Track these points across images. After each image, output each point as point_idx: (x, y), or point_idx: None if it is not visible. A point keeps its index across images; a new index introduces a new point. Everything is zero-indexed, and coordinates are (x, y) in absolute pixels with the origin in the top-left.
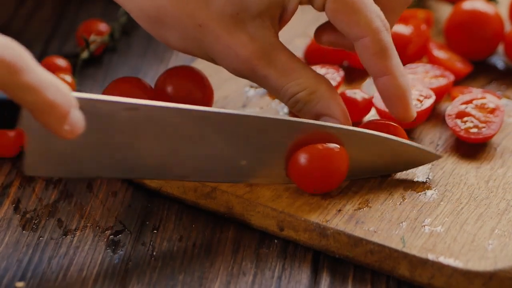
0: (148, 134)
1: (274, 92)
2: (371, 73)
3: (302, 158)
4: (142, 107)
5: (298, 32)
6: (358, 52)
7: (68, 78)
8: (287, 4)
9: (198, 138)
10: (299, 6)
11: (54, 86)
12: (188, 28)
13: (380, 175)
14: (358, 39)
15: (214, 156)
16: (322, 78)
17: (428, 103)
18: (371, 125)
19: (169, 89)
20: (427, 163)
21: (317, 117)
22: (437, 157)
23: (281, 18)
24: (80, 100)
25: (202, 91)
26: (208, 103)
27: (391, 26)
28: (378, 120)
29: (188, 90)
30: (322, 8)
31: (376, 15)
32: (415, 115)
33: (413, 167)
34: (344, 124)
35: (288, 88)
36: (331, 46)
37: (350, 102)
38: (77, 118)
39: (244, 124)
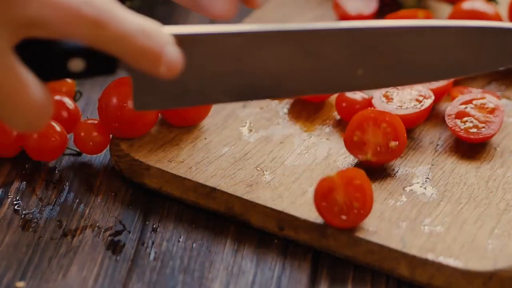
0: (255, 59)
1: None
2: None
3: None
4: (243, 35)
5: None
6: None
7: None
8: None
9: (308, 54)
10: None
11: (141, 30)
12: None
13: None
14: None
15: (329, 68)
16: None
17: (427, 103)
18: (365, 113)
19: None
20: None
21: None
22: None
23: None
24: (179, 36)
25: None
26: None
27: None
28: (374, 109)
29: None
30: None
31: None
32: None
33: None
34: None
35: None
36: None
37: (350, 102)
38: (173, 56)
39: (355, 37)
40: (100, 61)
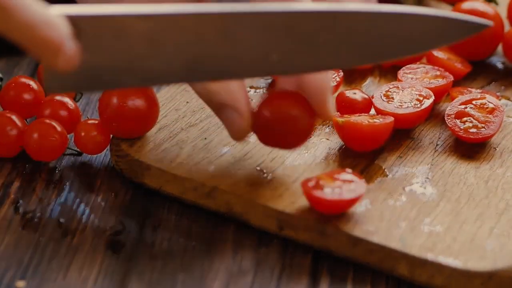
0: (167, 42)
1: None
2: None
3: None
4: (155, 17)
5: None
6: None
7: None
8: None
9: (221, 38)
10: None
11: (45, 21)
12: None
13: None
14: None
15: (242, 53)
16: None
17: (427, 103)
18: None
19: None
20: (465, 37)
21: (220, 107)
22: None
23: None
24: (84, 17)
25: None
26: (310, 129)
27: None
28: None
29: (289, 114)
30: None
31: None
32: (333, 112)
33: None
34: (244, 119)
35: None
36: None
37: (350, 102)
38: (72, 51)
39: (270, 20)
40: (4, 43)
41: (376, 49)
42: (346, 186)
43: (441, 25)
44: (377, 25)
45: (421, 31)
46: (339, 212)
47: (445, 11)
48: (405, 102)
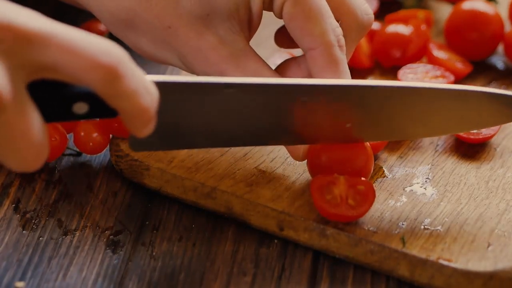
0: (246, 107)
1: None
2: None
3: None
4: (238, 85)
5: None
6: (308, 64)
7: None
8: (252, 6)
9: (299, 108)
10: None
11: (147, 91)
12: (158, 30)
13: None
14: (308, 49)
15: (318, 122)
16: None
17: None
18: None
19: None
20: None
21: None
22: None
23: (250, 22)
24: (181, 83)
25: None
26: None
27: (348, 55)
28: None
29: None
30: (280, 14)
31: (332, 28)
32: None
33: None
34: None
35: None
36: (290, 48)
37: None
38: (153, 122)
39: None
40: (104, 105)
41: (440, 123)
42: (354, 199)
43: (500, 104)
44: (441, 101)
45: (483, 109)
46: (343, 222)
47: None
48: None
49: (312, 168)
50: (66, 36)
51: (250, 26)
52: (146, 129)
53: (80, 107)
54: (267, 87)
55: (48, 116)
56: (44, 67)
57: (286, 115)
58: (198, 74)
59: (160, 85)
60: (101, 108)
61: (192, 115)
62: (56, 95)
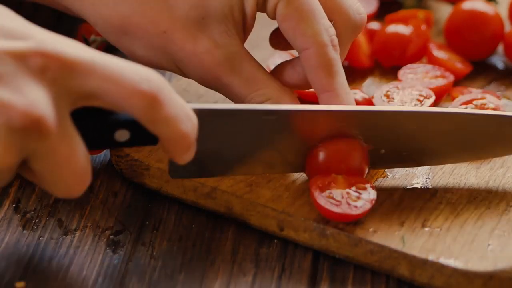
0: (284, 134)
1: (237, 101)
2: (314, 88)
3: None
4: (278, 112)
5: None
6: (302, 64)
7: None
8: (246, 7)
9: (332, 133)
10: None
11: (188, 117)
12: (153, 36)
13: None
14: (302, 50)
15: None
16: (285, 89)
17: (428, 103)
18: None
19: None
20: None
21: None
22: None
23: (244, 24)
24: (217, 110)
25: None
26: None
27: (342, 54)
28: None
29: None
30: (273, 15)
31: (324, 28)
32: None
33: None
34: None
35: (252, 98)
36: (284, 50)
37: None
38: (194, 148)
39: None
40: (145, 132)
41: (473, 148)
42: (355, 198)
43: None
44: (478, 126)
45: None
46: (344, 221)
47: None
48: (406, 102)
49: (309, 169)
50: (108, 64)
51: (244, 28)
52: (187, 156)
53: (122, 135)
54: (306, 114)
55: (91, 143)
56: (87, 95)
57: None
58: (194, 79)
59: (199, 112)
60: (142, 135)
61: (231, 142)
62: (98, 123)
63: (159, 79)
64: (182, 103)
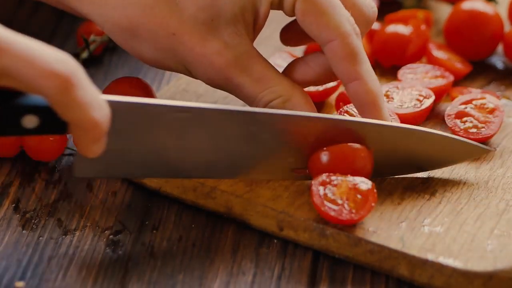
0: (196, 135)
1: (248, 101)
2: (341, 79)
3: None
4: (193, 110)
5: None
6: (327, 57)
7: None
8: (259, 7)
9: (247, 137)
10: (281, 18)
11: (100, 105)
12: (162, 38)
13: (414, 172)
14: (326, 42)
15: (264, 154)
16: (296, 86)
17: (427, 103)
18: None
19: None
20: (471, 158)
21: None
22: (485, 151)
23: (255, 24)
24: (131, 103)
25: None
26: (366, 169)
27: None
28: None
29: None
30: (292, 12)
31: (346, 18)
32: (389, 120)
33: (454, 163)
34: None
35: (263, 96)
36: (296, 46)
37: (349, 102)
38: (105, 140)
39: (288, 123)
40: (54, 120)
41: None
42: (356, 201)
43: (452, 146)
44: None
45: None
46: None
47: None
48: (405, 102)
49: (312, 170)
50: (22, 43)
51: (255, 28)
52: (96, 147)
53: (30, 121)
54: (226, 113)
55: None
56: None
57: (234, 144)
58: (203, 80)
59: (112, 104)
60: (51, 123)
61: (143, 141)
62: (4, 107)
63: (74, 63)
64: (95, 91)
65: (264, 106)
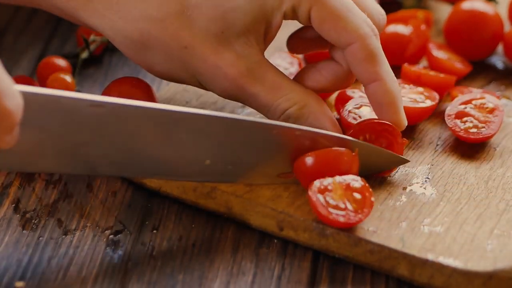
0: (111, 131)
1: (264, 110)
2: (361, 80)
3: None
4: (107, 104)
5: None
6: (347, 60)
7: (68, 78)
8: (272, 19)
9: (163, 137)
10: (285, 22)
11: (12, 94)
12: (174, 51)
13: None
14: (346, 46)
15: (179, 155)
16: (310, 92)
17: (428, 102)
18: (365, 124)
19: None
20: (392, 167)
21: None
22: (403, 161)
23: (266, 34)
24: (45, 95)
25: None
26: (352, 170)
27: None
28: (373, 119)
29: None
30: (307, 21)
31: (363, 20)
32: (406, 122)
33: (377, 172)
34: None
35: (279, 105)
36: (303, 53)
37: (347, 102)
38: (17, 132)
39: (214, 126)
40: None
41: None
42: (354, 203)
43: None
44: None
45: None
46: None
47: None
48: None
49: (298, 174)
50: None
51: (265, 38)
52: (8, 138)
53: None
54: (132, 109)
55: None
56: None
57: (151, 142)
58: (216, 92)
59: (25, 95)
60: None
61: (57, 134)
62: None
63: None
64: (7, 80)
65: (280, 115)
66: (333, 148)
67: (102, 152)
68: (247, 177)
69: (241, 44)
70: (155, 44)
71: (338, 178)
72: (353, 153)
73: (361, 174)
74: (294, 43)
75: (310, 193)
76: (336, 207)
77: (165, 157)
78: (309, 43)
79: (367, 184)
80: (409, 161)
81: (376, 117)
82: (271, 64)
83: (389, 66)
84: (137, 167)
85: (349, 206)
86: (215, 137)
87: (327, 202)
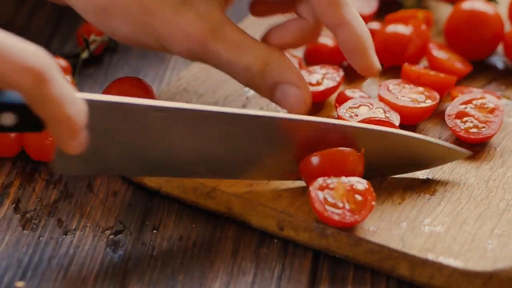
0: (175, 134)
1: (227, 69)
2: (328, 27)
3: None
4: (169, 109)
5: None
6: (313, 7)
7: (68, 78)
8: None
9: (227, 137)
10: None
11: (75, 101)
12: (136, 14)
13: (399, 174)
14: None
15: (246, 154)
16: (273, 48)
17: (429, 102)
18: (362, 123)
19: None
20: (450, 161)
21: (274, 88)
22: (463, 154)
23: None
24: (108, 102)
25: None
26: (357, 171)
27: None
28: (370, 118)
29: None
30: None
31: None
32: (378, 66)
33: (435, 166)
34: (302, 90)
35: (242, 62)
36: (265, 16)
37: (345, 102)
38: (84, 136)
39: (266, 125)
40: (32, 117)
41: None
42: (355, 203)
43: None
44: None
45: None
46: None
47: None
48: (413, 98)
49: (304, 173)
50: None
51: None
52: (74, 143)
53: (7, 118)
54: (195, 112)
55: None
56: None
57: (215, 144)
58: (180, 54)
59: (88, 103)
60: (29, 120)
61: (121, 139)
62: None
63: (47, 57)
64: (69, 86)
65: (244, 72)
66: (339, 148)
67: (165, 153)
68: (252, 174)
69: (202, 4)
70: (118, 8)
71: (344, 179)
72: (359, 153)
73: (407, 170)
74: (257, 6)
75: (310, 188)
76: (334, 205)
77: (238, 158)
78: (272, 5)
79: (371, 188)
80: (468, 154)
81: (373, 116)
82: (233, 23)
83: (356, 10)
84: (201, 168)
85: (347, 206)
86: (238, 135)
87: (325, 199)
